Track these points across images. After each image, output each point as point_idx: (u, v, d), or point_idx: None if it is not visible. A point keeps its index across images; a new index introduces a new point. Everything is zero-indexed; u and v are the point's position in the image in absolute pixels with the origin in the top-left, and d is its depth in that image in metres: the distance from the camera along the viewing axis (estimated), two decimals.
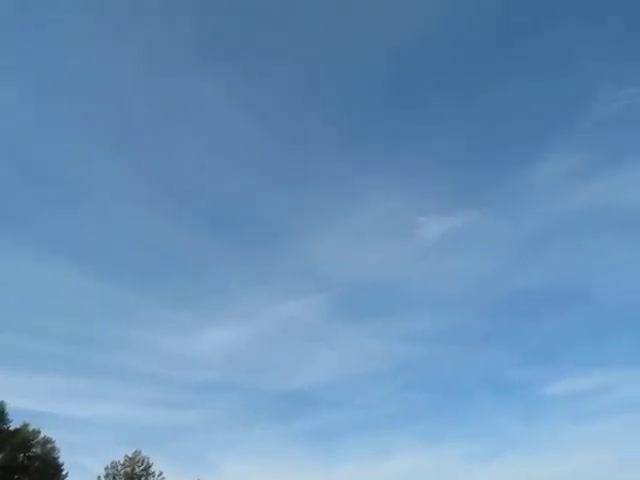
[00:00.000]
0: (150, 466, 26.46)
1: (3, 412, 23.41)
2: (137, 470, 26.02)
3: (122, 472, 26.04)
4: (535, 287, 23.86)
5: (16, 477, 23.22)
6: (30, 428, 25.00)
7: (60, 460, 25.71)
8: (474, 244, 22.58)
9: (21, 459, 24.04)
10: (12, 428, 24.14)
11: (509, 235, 23.06)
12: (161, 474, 26.48)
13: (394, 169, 21.82)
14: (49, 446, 25.46)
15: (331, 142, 22.88)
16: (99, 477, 26.14)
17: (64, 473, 25.77)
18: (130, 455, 26.56)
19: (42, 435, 25.20)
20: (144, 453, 26.60)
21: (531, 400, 36.43)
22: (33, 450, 24.63)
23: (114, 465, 26.31)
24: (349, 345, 23.23)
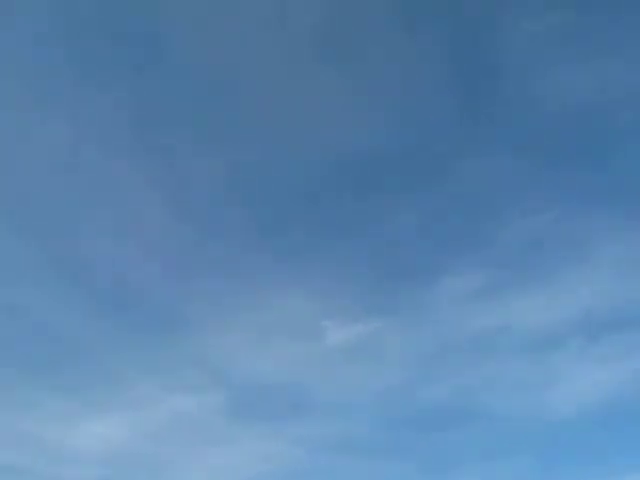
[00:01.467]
0: None
1: None
2: None
3: None
4: (438, 401, 22.40)
5: None
6: None
7: None
8: (379, 353, 21.25)
9: None
10: None
11: (414, 347, 21.80)
12: None
13: (306, 269, 20.40)
14: None
15: (249, 237, 21.42)
16: None
17: None
18: None
19: None
20: None
21: None
22: None
23: None
24: (242, 446, 21.01)
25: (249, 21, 17.07)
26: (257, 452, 23.07)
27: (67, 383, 26.46)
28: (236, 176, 21.83)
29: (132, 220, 22.58)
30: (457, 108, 19.98)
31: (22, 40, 17.26)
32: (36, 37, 16.55)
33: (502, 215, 23.07)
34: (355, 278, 22.89)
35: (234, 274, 22.47)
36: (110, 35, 17.16)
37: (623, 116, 21.40)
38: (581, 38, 20.44)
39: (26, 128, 18.90)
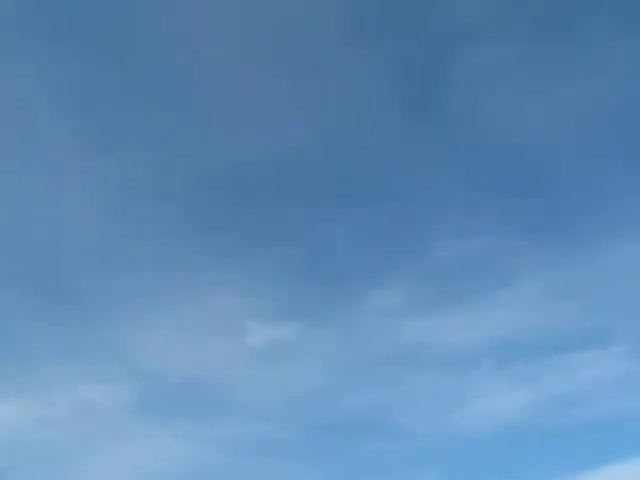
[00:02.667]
0: None
1: None
2: None
3: None
4: (354, 411, 22.98)
5: None
6: None
7: None
8: (301, 358, 21.45)
9: None
10: None
11: (337, 355, 22.25)
12: None
13: (234, 269, 20.26)
14: None
15: (180, 235, 21.12)
16: None
17: None
18: None
19: None
20: None
21: None
22: None
23: None
24: (149, 444, 20.45)
25: (190, 18, 16.89)
26: (164, 451, 22.27)
27: None
28: (170, 174, 21.36)
29: (66, 215, 21.69)
30: (400, 125, 20.40)
31: None
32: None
33: (433, 233, 23.66)
34: (284, 281, 22.72)
35: (161, 270, 21.85)
36: None
37: (566, 149, 22.49)
38: (531, 70, 21.35)
39: None
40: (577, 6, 20.37)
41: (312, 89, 18.68)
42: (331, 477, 23.82)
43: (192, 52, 16.83)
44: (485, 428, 28.39)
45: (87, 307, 21.48)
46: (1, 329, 21.98)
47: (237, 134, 18.12)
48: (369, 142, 20.76)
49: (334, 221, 22.68)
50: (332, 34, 18.30)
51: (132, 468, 21.19)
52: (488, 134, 21.73)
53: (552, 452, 28.73)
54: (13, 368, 21.72)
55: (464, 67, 20.70)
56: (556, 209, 24.46)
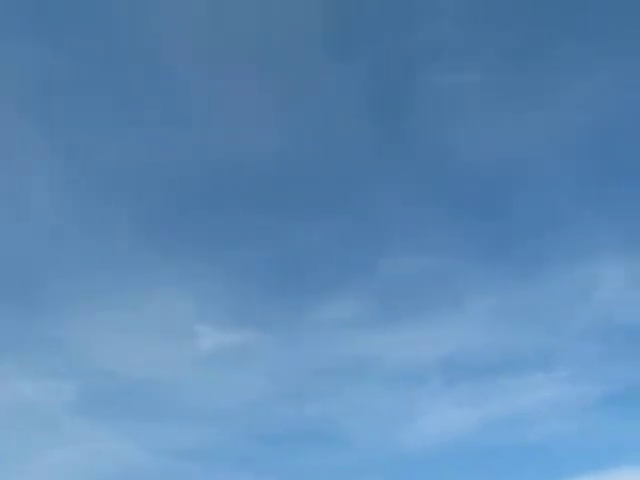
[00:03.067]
0: None
1: None
2: None
3: None
4: (301, 420, 23.03)
5: None
6: None
7: None
8: (250, 365, 21.36)
9: None
10: None
11: (287, 364, 22.28)
12: None
13: (187, 272, 20.14)
14: None
15: (134, 235, 21.00)
16: None
17: None
18: None
19: None
20: None
21: None
22: None
23: None
24: (86, 444, 20.09)
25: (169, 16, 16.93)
26: (101, 451, 21.85)
27: None
28: (123, 175, 21.22)
29: (14, 213, 21.46)
30: (364, 141, 20.67)
31: None
32: None
33: (388, 250, 23.92)
34: (237, 287, 22.69)
35: (113, 270, 21.58)
36: None
37: (522, 174, 22.91)
38: (495, 96, 21.82)
39: None
40: (547, 33, 20.86)
41: (282, 98, 18.84)
42: None
43: (157, 51, 16.85)
44: (428, 445, 28.33)
45: (36, 305, 21.11)
46: None
47: (196, 135, 18.12)
48: (331, 157, 20.92)
49: (291, 231, 22.69)
50: (304, 49, 18.53)
51: (67, 467, 20.74)
52: (448, 155, 22.04)
53: (493, 472, 28.85)
54: None
55: (432, 87, 21.03)
56: (509, 231, 24.79)
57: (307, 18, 18.38)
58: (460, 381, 29.66)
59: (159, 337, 20.29)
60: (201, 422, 22.31)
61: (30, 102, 17.28)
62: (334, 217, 22.78)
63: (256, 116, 18.41)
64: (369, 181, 22.26)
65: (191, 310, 21.12)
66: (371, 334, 25.74)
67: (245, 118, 18.38)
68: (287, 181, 20.50)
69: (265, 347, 23.79)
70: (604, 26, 21.43)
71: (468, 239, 25.68)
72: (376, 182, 22.03)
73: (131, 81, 18.00)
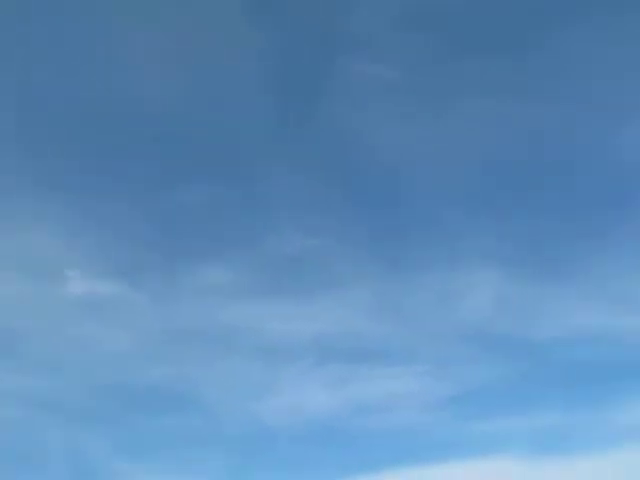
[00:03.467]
0: None
1: None
2: None
3: None
4: (160, 382, 23.19)
5: None
6: None
7: None
8: (117, 318, 21.06)
9: None
10: None
11: (158, 322, 22.30)
12: None
13: (64, 207, 19.63)
14: None
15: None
16: None
17: None
18: None
19: None
20: None
21: None
22: None
23: None
24: None
25: None
26: None
27: None
28: (8, 106, 20.01)
29: None
30: (274, 117, 20.63)
31: None
32: None
33: (276, 227, 24.05)
34: (115, 238, 21.88)
35: None
36: None
37: (420, 172, 23.57)
38: (412, 93, 22.30)
39: None
40: (470, 38, 21.57)
41: (194, 57, 18.41)
42: (119, 445, 23.02)
43: None
44: (289, 423, 28.86)
45: None
46: None
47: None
48: (232, 125, 20.73)
49: (180, 189, 22.22)
50: (223, 30, 18.24)
51: None
52: (352, 142, 22.35)
53: (348, 454, 29.95)
54: None
55: (350, 75, 21.18)
56: (397, 225, 25.62)
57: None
58: (330, 363, 30.17)
59: (25, 275, 19.16)
60: (55, 372, 21.30)
61: None
62: (226, 185, 22.43)
63: (160, 67, 17.89)
64: (267, 156, 22.10)
65: (63, 251, 20.01)
66: (247, 305, 25.46)
67: (149, 68, 17.85)
68: (180, 139, 20.01)
69: (135, 303, 22.94)
70: (521, 37, 22.34)
71: (357, 226, 26.06)
72: (274, 159, 21.95)
73: (36, 18, 17.00)
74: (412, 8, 20.42)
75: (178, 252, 22.91)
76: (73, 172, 19.57)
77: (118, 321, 20.85)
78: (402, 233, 28.37)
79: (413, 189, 27.79)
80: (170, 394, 22.92)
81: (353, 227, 25.98)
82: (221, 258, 24.94)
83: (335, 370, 30.29)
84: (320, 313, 26.15)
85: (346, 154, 23.70)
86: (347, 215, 25.78)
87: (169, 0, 17.11)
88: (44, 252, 18.78)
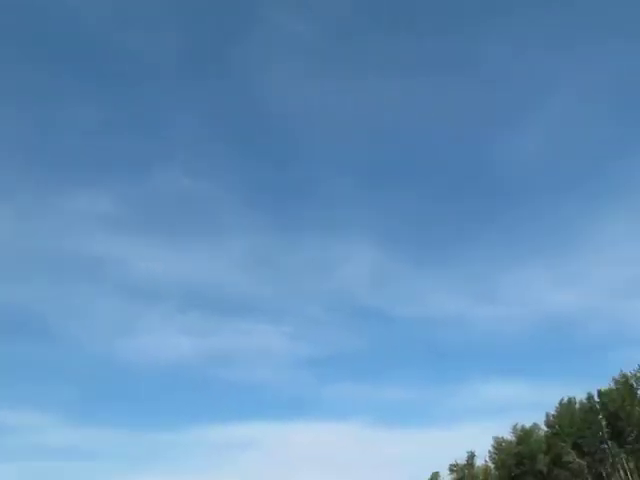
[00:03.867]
0: None
1: None
2: None
3: None
4: (12, 307, 24.96)
5: None
6: None
7: None
8: None
9: None
10: None
11: (21, 251, 23.88)
12: None
13: None
14: None
15: None
16: None
17: None
18: None
19: None
20: None
21: None
22: None
23: None
24: None
25: None
26: None
27: None
28: None
29: None
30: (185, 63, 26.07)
31: None
32: None
33: (167, 165, 24.39)
34: None
35: None
36: None
37: (325, 138, 24.46)
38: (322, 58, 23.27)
39: None
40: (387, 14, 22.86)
41: None
42: None
43: None
44: (145, 363, 30.68)
45: None
46: None
47: None
48: (145, 74, 22.91)
49: (72, 109, 23.10)
50: None
51: None
52: (256, 99, 23.41)
53: (201, 402, 32.17)
54: None
55: (263, 33, 22.41)
56: (284, 184, 26.75)
57: None
58: (194, 310, 32.44)
59: None
60: None
61: None
62: (120, 115, 23.24)
63: None
64: (171, 98, 23.26)
65: None
66: (118, 238, 26.68)
67: None
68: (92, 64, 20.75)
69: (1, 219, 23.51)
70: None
71: (244, 179, 27.42)
72: (177, 101, 22.84)
73: None
74: None
75: (57, 174, 24.33)
76: None
77: None
78: (287, 193, 30.17)
79: (305, 152, 29.41)
80: (22, 319, 23.91)
81: (240, 178, 27.75)
82: (100, 186, 26.20)
83: (198, 318, 32.02)
84: (192, 258, 27.78)
85: (247, 107, 25.30)
86: (237, 166, 27.46)
87: None
88: None
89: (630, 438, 51.26)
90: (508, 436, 63.88)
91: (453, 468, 69.51)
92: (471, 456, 68.60)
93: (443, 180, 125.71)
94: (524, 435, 61.42)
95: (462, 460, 68.94)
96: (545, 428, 59.10)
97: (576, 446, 54.01)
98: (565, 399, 57.63)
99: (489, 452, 65.57)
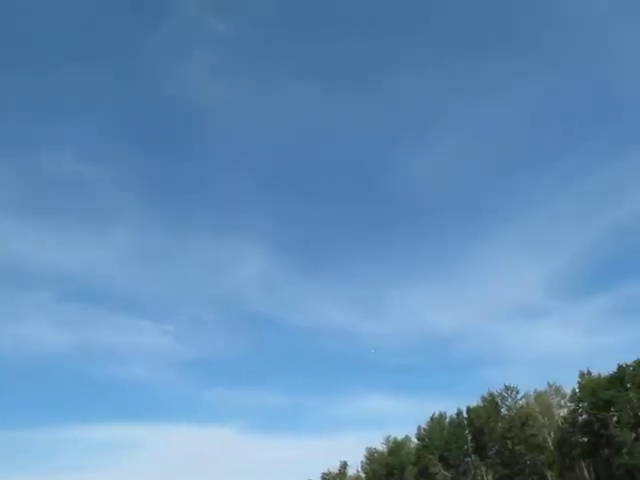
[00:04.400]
0: None
1: None
2: None
3: None
4: None
5: None
6: None
7: None
8: None
9: None
10: None
11: None
12: None
13: None
14: None
15: None
16: None
17: None
18: None
19: None
20: None
21: None
22: None
23: None
24: None
25: None
26: None
27: None
28: None
29: None
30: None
31: None
32: None
33: (56, 148, 23.69)
34: None
35: None
36: None
37: (232, 135, 24.90)
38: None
39: None
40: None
41: None
42: None
43: None
44: (12, 353, 30.16)
45: None
46: None
47: None
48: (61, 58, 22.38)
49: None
50: None
51: None
52: (166, 87, 23.24)
53: (68, 398, 32.29)
54: None
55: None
56: (180, 177, 29.33)
57: None
58: (71, 302, 32.00)
59: None
60: None
61: None
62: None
63: None
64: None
65: None
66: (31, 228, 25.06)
67: None
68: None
69: None
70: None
71: (138, 167, 27.62)
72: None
73: None
74: None
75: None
76: None
77: None
78: (182, 187, 30.33)
79: (207, 150, 29.55)
80: None
81: (135, 167, 27.20)
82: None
83: (75, 310, 31.78)
84: (74, 246, 27.22)
85: (152, 98, 24.75)
86: (132, 155, 26.94)
87: None
88: None
89: (491, 452, 54.73)
90: (380, 447, 65.97)
91: (326, 477, 70.58)
92: (344, 465, 70.02)
93: (341, 189, 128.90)
94: (395, 447, 63.83)
95: (335, 469, 70.14)
96: (416, 441, 61.62)
97: (442, 459, 56.72)
98: (437, 413, 60.47)
99: (361, 462, 67.34)
